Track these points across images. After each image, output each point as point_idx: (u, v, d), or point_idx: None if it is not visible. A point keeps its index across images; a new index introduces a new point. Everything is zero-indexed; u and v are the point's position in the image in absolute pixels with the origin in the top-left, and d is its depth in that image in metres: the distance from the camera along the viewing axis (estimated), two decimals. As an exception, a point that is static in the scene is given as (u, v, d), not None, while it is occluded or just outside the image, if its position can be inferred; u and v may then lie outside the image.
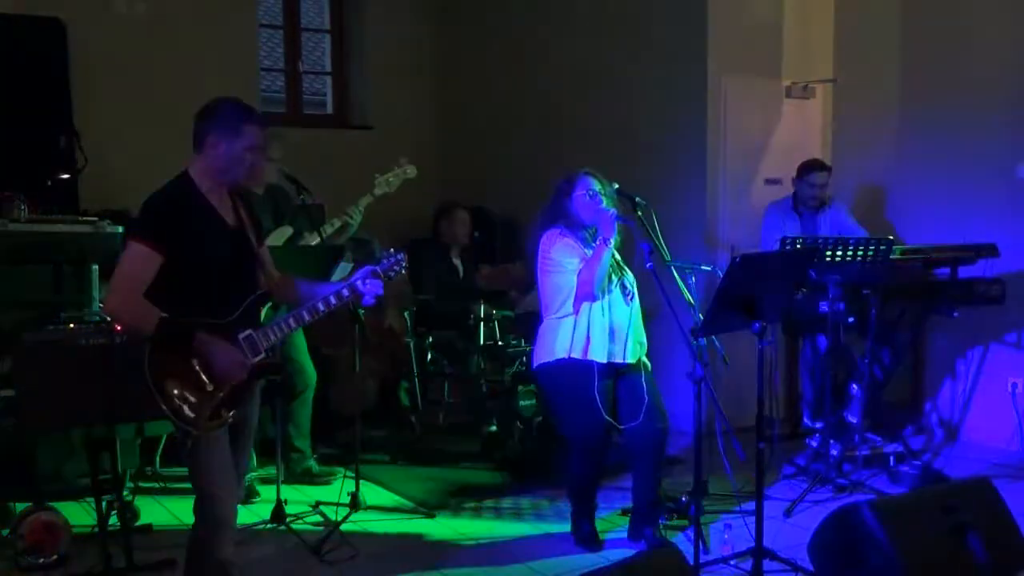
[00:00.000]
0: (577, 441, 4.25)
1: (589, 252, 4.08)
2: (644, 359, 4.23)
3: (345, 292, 3.21)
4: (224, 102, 3.12)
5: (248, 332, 3.10)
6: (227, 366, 3.04)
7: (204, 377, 3.03)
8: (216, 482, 3.09)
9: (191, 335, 3.00)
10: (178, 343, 2.99)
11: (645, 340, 4.23)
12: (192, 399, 3.02)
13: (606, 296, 4.07)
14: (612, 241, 4.01)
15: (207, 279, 3.06)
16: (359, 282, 3.22)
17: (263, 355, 3.12)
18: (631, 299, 4.15)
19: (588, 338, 4.06)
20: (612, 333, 4.08)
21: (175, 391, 3.00)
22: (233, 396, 3.09)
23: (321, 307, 3.19)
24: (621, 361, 4.11)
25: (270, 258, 3.36)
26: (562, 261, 4.09)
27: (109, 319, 3.07)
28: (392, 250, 3.33)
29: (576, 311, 4.08)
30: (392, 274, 3.29)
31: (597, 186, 4.13)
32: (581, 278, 4.04)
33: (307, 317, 3.19)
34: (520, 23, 7.38)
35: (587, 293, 4.05)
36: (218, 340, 3.03)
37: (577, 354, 4.07)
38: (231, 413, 3.09)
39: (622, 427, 4.16)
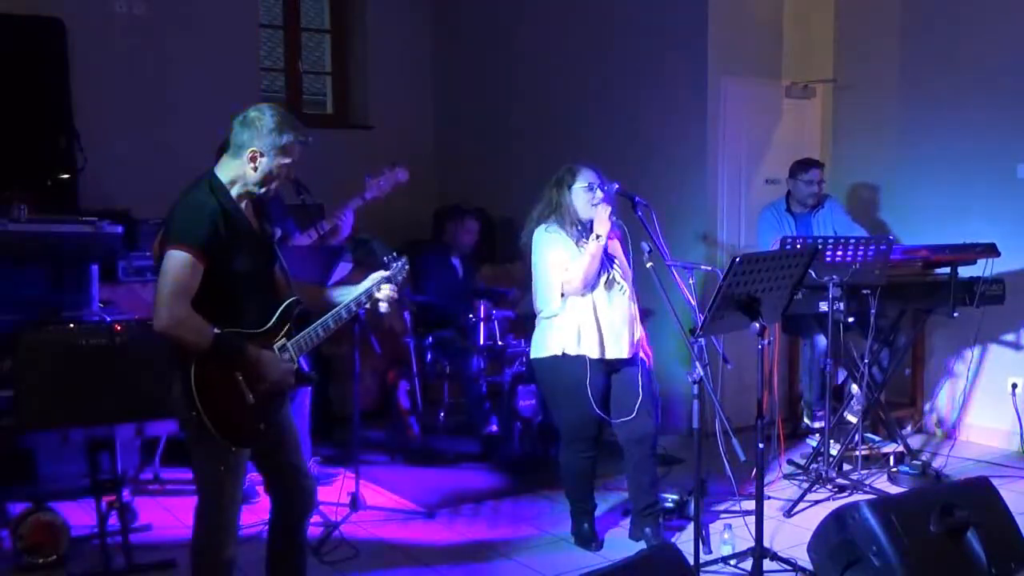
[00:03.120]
0: (568, 434, 4.27)
1: (580, 248, 4.09)
2: (642, 354, 4.23)
3: (363, 299, 3.23)
4: (272, 114, 3.01)
5: (282, 341, 3.09)
6: (278, 376, 3.03)
7: (246, 390, 2.98)
8: (225, 493, 3.07)
9: (244, 350, 2.96)
10: (223, 356, 2.94)
11: (641, 334, 4.23)
12: (235, 412, 2.97)
13: (594, 291, 4.08)
14: (604, 237, 4.02)
15: (243, 288, 3.02)
16: (374, 288, 3.24)
17: (296, 365, 3.12)
18: (623, 293, 4.16)
19: (579, 333, 4.07)
20: (604, 328, 4.08)
21: (219, 405, 2.94)
22: (268, 407, 3.07)
23: (344, 314, 3.20)
24: (614, 356, 4.12)
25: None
26: (551, 258, 4.11)
27: (162, 334, 2.89)
28: (395, 254, 3.33)
29: (563, 307, 4.10)
30: (399, 279, 3.30)
31: (596, 181, 4.14)
32: (568, 275, 4.06)
33: (333, 325, 3.19)
34: (520, 23, 7.38)
35: (573, 289, 4.07)
36: (267, 352, 3.02)
37: (570, 350, 4.09)
38: (265, 425, 3.06)
39: (613, 421, 4.17)
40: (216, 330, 2.91)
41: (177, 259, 2.88)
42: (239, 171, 3.02)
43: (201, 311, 2.91)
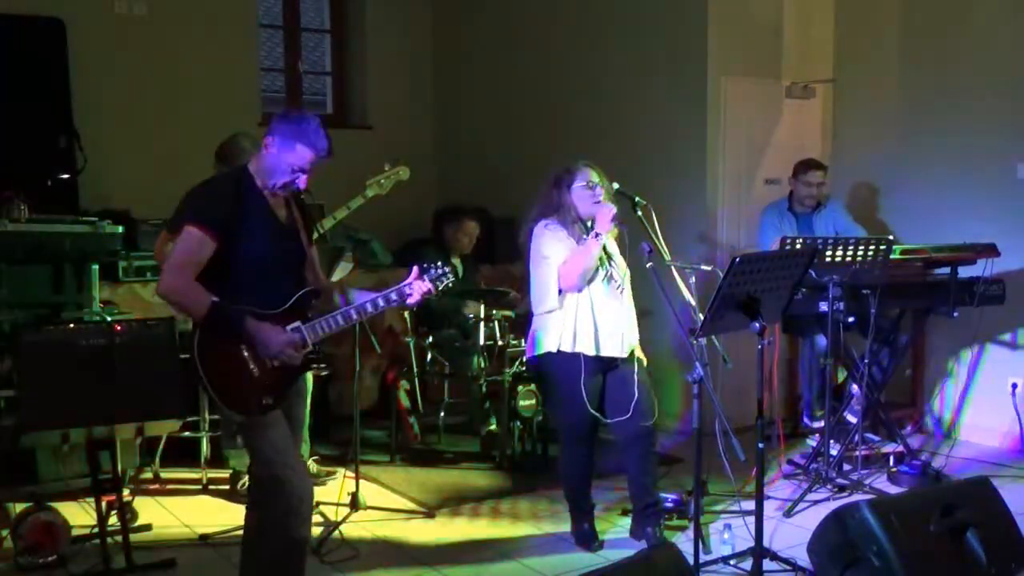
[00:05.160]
0: (566, 433, 4.27)
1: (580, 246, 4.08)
2: (639, 355, 4.22)
3: (394, 296, 3.28)
4: (303, 116, 3.22)
5: (296, 324, 3.16)
6: (279, 347, 3.09)
7: (251, 362, 3.09)
8: (281, 462, 3.12)
9: (241, 320, 3.05)
10: (227, 328, 3.05)
11: (637, 334, 4.23)
12: (239, 383, 3.08)
13: (590, 289, 4.06)
14: (604, 236, 4.01)
15: (256, 272, 3.11)
16: (406, 287, 3.29)
17: (310, 348, 3.18)
18: (621, 292, 4.15)
19: (575, 331, 4.06)
20: (600, 325, 4.07)
21: (223, 375, 3.07)
22: (276, 383, 3.14)
23: (370, 308, 3.26)
24: (610, 355, 4.11)
25: (318, 260, 3.44)
26: (549, 254, 4.09)
27: (162, 299, 3.14)
28: (440, 263, 3.38)
29: (561, 304, 4.08)
30: (439, 284, 3.34)
31: (596, 178, 4.13)
32: (564, 269, 4.04)
33: (355, 316, 3.26)
34: (520, 23, 7.38)
35: (570, 285, 4.05)
36: (268, 324, 3.10)
37: (565, 347, 4.07)
38: (271, 399, 3.12)
39: (608, 420, 4.16)
40: (215, 299, 3.02)
41: (188, 234, 3.05)
42: (260, 160, 3.17)
43: (215, 288, 3.04)
